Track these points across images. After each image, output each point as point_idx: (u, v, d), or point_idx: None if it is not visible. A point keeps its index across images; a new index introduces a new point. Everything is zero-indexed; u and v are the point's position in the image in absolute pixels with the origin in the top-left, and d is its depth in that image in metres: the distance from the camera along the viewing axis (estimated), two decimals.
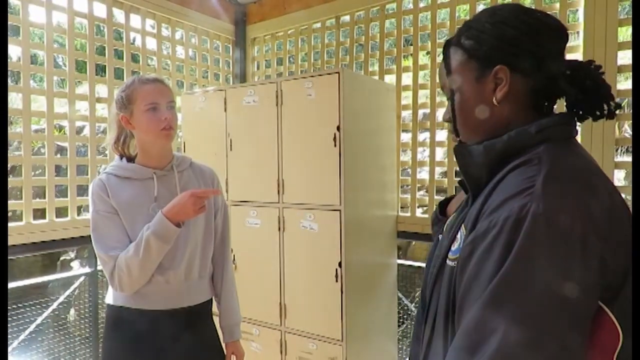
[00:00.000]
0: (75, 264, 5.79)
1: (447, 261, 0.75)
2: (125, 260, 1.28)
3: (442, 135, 2.52)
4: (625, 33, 1.99)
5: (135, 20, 2.59)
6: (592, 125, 1.99)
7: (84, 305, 2.78)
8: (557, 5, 2.13)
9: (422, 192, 2.89)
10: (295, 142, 2.18)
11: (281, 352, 2.25)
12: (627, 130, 3.51)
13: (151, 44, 2.71)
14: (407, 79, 2.60)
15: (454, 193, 0.96)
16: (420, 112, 2.56)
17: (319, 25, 2.90)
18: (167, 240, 1.29)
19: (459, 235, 0.74)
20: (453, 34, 0.84)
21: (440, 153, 2.53)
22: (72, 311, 4.23)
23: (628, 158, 2.06)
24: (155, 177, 1.40)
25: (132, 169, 1.40)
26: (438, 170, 2.48)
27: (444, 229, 0.87)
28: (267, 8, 3.08)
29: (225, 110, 2.43)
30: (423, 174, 2.83)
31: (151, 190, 1.39)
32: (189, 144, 2.61)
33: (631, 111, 1.98)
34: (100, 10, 2.44)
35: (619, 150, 2.95)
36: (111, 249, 1.31)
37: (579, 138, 2.03)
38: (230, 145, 2.40)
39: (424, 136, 2.62)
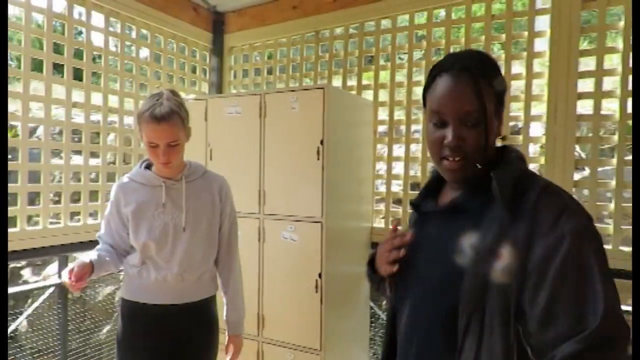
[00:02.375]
0: (26, 273, 5.49)
1: (493, 278, 0.82)
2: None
3: (415, 148, 2.63)
4: (586, 61, 2.17)
5: (114, 25, 2.54)
6: (555, 147, 2.15)
7: (49, 318, 2.67)
8: (525, 33, 2.29)
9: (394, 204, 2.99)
10: (277, 154, 2.21)
11: None
12: (577, 149, 3.78)
13: (128, 49, 2.67)
14: (383, 95, 2.70)
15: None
16: (394, 127, 2.66)
17: (298, 38, 2.95)
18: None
19: (506, 253, 0.81)
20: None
21: (415, 166, 2.65)
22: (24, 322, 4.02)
23: (578, 176, 2.24)
24: (164, 186, 1.56)
25: (145, 177, 1.58)
26: (411, 182, 2.58)
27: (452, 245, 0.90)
28: (246, 18, 3.10)
29: (205, 119, 2.43)
30: (395, 187, 2.93)
31: (159, 197, 1.55)
32: None
33: (589, 134, 2.16)
34: (76, 14, 2.38)
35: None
36: (101, 235, 1.63)
37: (542, 159, 2.16)
38: (210, 155, 2.40)
39: (398, 150, 2.72)
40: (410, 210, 1.13)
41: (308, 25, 2.87)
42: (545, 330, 0.76)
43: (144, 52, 2.78)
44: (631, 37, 2.01)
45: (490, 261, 0.82)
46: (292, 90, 2.17)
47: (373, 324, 3.17)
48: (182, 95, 2.91)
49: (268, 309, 2.24)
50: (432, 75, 0.94)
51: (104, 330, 4.00)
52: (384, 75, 2.69)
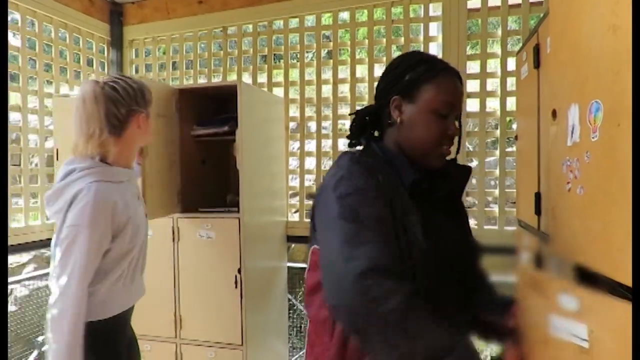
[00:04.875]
0: None
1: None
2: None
3: (325, 144, 2.74)
4: (472, 65, 2.45)
5: None
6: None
7: None
8: (421, 37, 2.51)
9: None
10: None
11: None
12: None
13: (13, 39, 2.41)
14: (294, 93, 2.77)
15: None
16: (305, 123, 2.75)
17: (205, 33, 2.90)
18: None
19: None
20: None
21: (325, 161, 2.76)
22: None
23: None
24: (135, 176, 1.53)
25: (123, 172, 1.39)
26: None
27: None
28: (147, 10, 2.96)
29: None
30: (307, 182, 3.03)
31: (134, 190, 1.48)
32: (63, 152, 2.38)
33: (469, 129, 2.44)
34: None
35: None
36: (85, 285, 1.28)
37: None
38: None
39: (308, 145, 2.81)
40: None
41: (215, 20, 2.83)
42: None
43: (32, 42, 2.52)
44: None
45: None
46: (206, 87, 2.14)
47: (291, 315, 3.25)
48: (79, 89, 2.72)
49: (186, 309, 2.19)
50: (436, 70, 0.98)
51: None
52: (292, 73, 2.76)
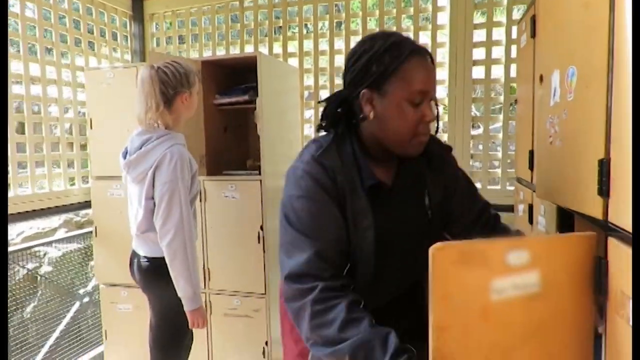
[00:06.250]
0: None
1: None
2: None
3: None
4: (478, 33, 2.55)
5: None
6: (455, 107, 2.54)
7: None
8: (430, 7, 2.62)
9: None
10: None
11: (206, 311, 2.44)
12: (473, 109, 4.32)
13: (46, 14, 2.56)
14: (307, 63, 2.91)
15: None
16: (319, 92, 2.90)
17: (222, 6, 3.02)
18: None
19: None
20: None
21: None
22: None
23: (474, 132, 2.67)
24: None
25: (182, 136, 1.77)
26: None
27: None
28: None
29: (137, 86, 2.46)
30: None
31: None
32: (96, 121, 2.57)
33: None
34: None
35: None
36: (191, 223, 1.74)
37: (446, 117, 2.49)
38: None
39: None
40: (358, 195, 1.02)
41: None
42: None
43: (63, 19, 2.68)
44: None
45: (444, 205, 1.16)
46: (227, 58, 2.29)
47: None
48: (106, 63, 2.89)
49: (213, 262, 2.41)
50: (402, 57, 0.95)
51: (28, 310, 3.89)
52: (306, 43, 2.89)
